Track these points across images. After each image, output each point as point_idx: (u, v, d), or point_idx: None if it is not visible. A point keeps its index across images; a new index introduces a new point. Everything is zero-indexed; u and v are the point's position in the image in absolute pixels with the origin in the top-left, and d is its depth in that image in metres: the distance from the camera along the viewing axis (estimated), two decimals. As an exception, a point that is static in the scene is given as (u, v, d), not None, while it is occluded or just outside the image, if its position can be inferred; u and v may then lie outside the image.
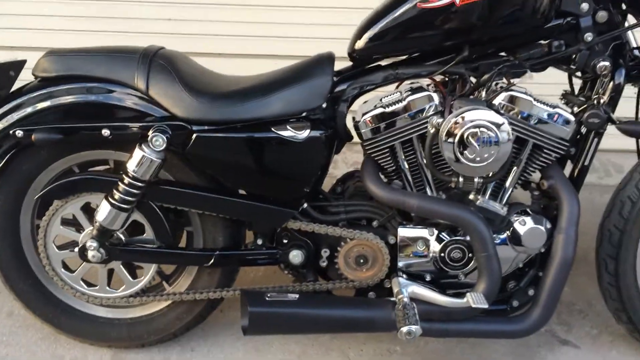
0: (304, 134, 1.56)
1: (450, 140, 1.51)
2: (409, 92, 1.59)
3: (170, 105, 1.55)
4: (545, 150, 1.60)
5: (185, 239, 1.83)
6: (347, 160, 3.10)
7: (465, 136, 1.49)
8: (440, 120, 1.54)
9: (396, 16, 1.53)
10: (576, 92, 1.73)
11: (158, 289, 1.83)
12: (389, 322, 1.59)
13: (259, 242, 1.72)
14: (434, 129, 1.56)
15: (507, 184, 1.66)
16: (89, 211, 1.71)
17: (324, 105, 1.60)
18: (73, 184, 1.63)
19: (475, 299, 1.52)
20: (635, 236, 1.75)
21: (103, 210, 1.59)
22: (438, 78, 1.68)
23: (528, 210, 1.67)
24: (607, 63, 1.53)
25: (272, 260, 1.73)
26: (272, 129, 1.56)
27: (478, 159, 1.51)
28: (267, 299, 1.59)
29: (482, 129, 1.48)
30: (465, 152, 1.50)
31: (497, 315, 1.71)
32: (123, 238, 1.68)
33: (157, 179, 1.60)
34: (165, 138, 1.52)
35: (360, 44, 1.59)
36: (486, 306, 1.52)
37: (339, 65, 1.68)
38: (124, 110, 1.57)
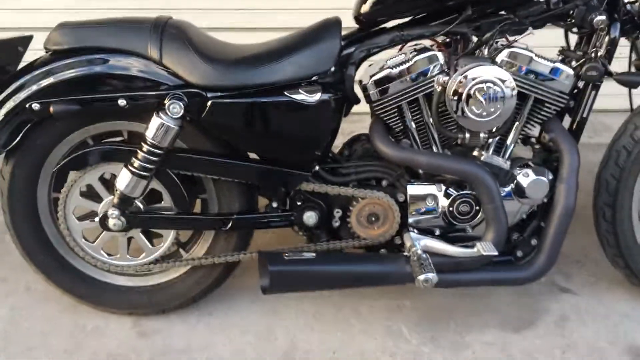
0: (316, 97, 1.61)
1: (457, 97, 1.57)
2: (415, 53, 1.65)
3: (184, 73, 1.59)
4: (546, 104, 1.68)
5: (200, 207, 1.88)
6: (343, 131, 3.16)
7: (472, 92, 1.56)
8: (446, 78, 1.60)
9: (401, -22, 1.57)
10: (572, 47, 1.80)
11: (176, 256, 1.88)
12: (403, 275, 1.67)
13: (274, 205, 1.77)
14: (440, 87, 1.62)
15: (509, 139, 1.73)
16: (105, 182, 1.75)
17: (333, 69, 1.65)
18: (92, 154, 1.67)
19: (485, 247, 1.60)
20: (630, 184, 1.84)
21: (123, 179, 1.63)
22: (440, 39, 1.74)
23: (530, 163, 1.74)
24: (603, 17, 1.60)
25: (287, 222, 1.79)
26: (285, 93, 1.60)
27: (484, 113, 1.58)
28: (285, 258, 1.65)
29: (488, 84, 1.55)
30: (472, 107, 1.57)
31: (499, 264, 1.79)
32: (142, 206, 1.73)
33: (174, 147, 1.64)
34: (181, 105, 1.56)
35: (365, 7, 1.64)
36: (495, 253, 1.60)
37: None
38: (139, 80, 1.61)
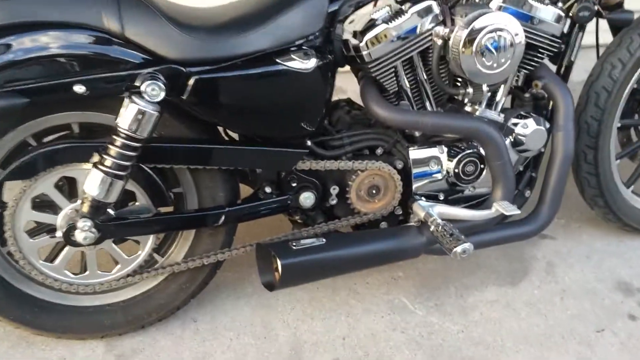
0: (311, 62, 1.41)
1: (465, 49, 1.45)
2: (409, 5, 1.49)
3: (156, 46, 1.31)
4: (539, 50, 1.61)
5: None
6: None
7: (482, 43, 1.44)
8: (446, 30, 1.47)
9: None
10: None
11: (150, 262, 1.62)
12: (418, 246, 1.57)
13: (267, 190, 1.57)
14: (441, 41, 1.49)
15: (501, 90, 1.65)
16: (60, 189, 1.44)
17: (320, 29, 1.46)
18: (46, 157, 1.35)
19: (504, 207, 1.52)
20: (610, 124, 1.85)
21: (94, 182, 1.33)
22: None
23: (524, 113, 1.68)
24: None
25: (283, 208, 1.59)
26: (278, 61, 1.39)
27: (495, 65, 1.47)
28: (294, 248, 1.46)
29: (498, 34, 1.44)
30: (483, 59, 1.46)
31: (505, 221, 1.73)
32: (112, 212, 1.44)
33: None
34: (161, 85, 1.29)
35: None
36: (518, 211, 1.53)
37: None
38: (96, 59, 1.30)
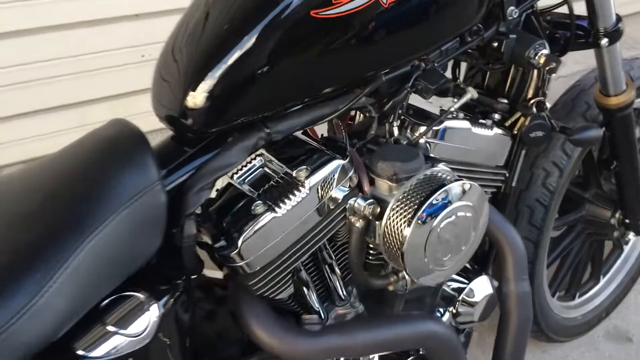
0: (149, 327, 0.73)
1: (413, 237, 0.88)
2: (306, 170, 0.87)
3: None
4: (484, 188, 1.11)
5: None
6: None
7: (438, 229, 0.88)
8: (371, 206, 0.88)
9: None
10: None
11: None
12: None
13: None
14: (361, 221, 0.90)
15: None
16: None
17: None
18: None
19: None
20: (547, 240, 1.46)
21: None
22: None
23: (468, 267, 1.18)
24: (547, 51, 1.06)
25: None
26: (79, 353, 0.68)
27: (455, 256, 0.92)
28: None
29: (460, 213, 0.88)
30: (438, 254, 0.90)
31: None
32: None
33: None
34: None
35: (197, 99, 0.79)
36: None
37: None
38: None
